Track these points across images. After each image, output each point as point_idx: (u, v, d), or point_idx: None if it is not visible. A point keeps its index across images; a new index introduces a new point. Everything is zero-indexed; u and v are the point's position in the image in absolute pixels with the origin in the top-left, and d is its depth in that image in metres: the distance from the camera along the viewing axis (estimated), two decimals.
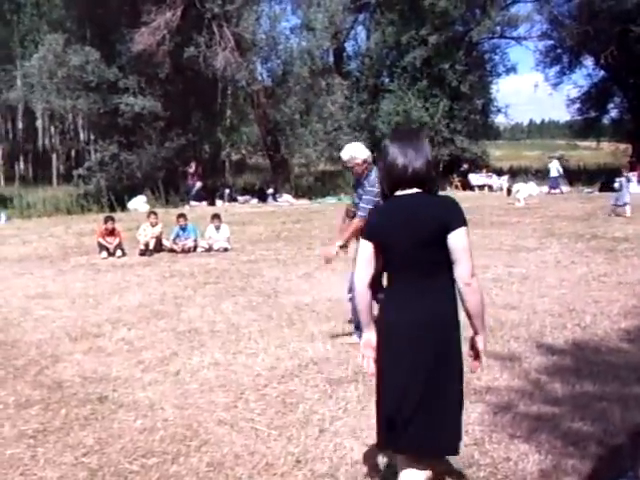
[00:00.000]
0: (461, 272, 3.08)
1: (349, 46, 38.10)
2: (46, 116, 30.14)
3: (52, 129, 41.72)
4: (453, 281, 3.13)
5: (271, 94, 30.66)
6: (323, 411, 4.99)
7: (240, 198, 26.92)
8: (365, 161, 6.39)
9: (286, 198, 26.84)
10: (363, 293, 3.30)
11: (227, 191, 27.37)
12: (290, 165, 31.64)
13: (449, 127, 32.54)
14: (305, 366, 6.02)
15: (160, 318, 8.00)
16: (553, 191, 26.83)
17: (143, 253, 13.17)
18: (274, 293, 9.26)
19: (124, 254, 13.16)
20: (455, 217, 3.12)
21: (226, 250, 13.26)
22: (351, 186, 6.81)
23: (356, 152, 6.41)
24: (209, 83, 27.95)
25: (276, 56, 30.31)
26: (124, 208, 24.12)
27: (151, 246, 13.27)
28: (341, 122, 30.79)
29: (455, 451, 3.30)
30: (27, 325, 7.84)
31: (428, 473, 3.26)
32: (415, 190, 3.21)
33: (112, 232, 13.33)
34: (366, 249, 3.27)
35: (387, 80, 35.76)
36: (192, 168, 27.03)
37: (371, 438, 4.50)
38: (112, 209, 23.24)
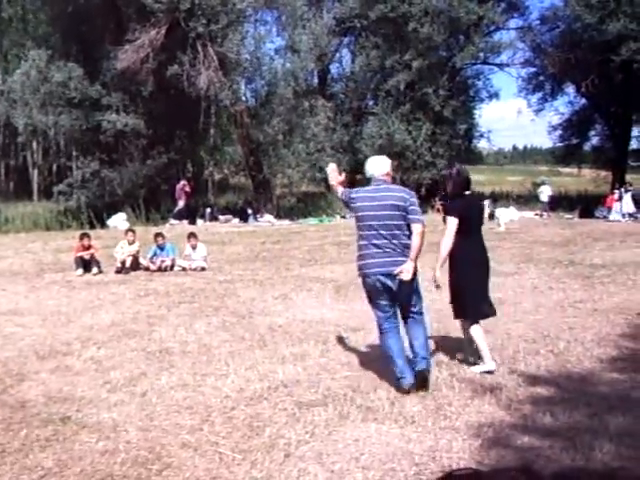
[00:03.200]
0: None
1: (334, 68, 38.32)
2: (28, 131, 29.90)
3: (34, 144, 41.49)
4: None
5: (254, 114, 30.68)
6: (290, 435, 4.92)
7: (221, 217, 26.81)
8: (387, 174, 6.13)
9: (267, 218, 26.76)
10: None
11: (208, 210, 27.27)
12: (272, 185, 31.58)
13: (431, 151, 32.66)
14: (275, 389, 5.94)
15: (131, 337, 7.90)
16: (545, 215, 27.31)
17: (119, 271, 13.03)
18: (248, 314, 9.17)
19: (100, 271, 13.03)
20: None
21: (203, 269, 13.16)
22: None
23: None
24: (193, 102, 27.92)
25: (260, 77, 30.35)
26: (104, 225, 23.96)
27: (128, 264, 13.15)
28: (324, 144, 30.85)
29: None
30: None
31: None
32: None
33: (88, 248, 13.21)
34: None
35: (371, 103, 35.92)
36: (187, 187, 26.92)
37: (336, 464, 4.45)
38: (92, 226, 23.08)
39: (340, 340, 7.59)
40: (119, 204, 26.47)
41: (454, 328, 8.04)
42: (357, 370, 6.47)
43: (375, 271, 5.80)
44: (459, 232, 6.22)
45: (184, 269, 13.21)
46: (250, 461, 4.52)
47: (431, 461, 4.49)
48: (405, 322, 6.00)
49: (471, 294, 6.35)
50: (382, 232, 5.77)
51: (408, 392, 5.68)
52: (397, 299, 5.92)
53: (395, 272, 5.75)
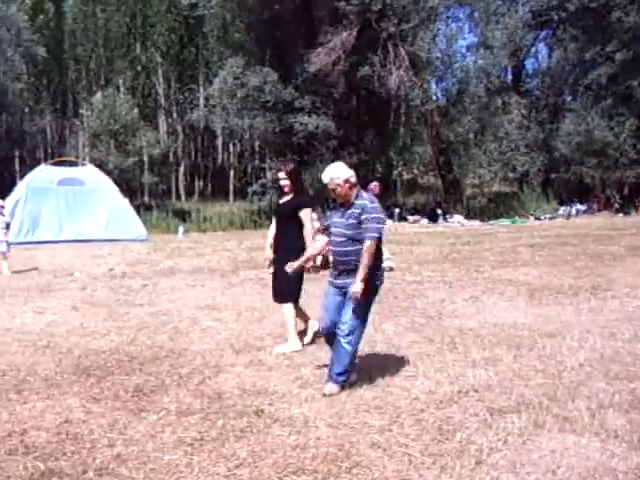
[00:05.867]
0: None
1: (529, 64, 37.15)
2: (225, 134, 31.58)
3: (230, 147, 43.56)
4: None
5: (445, 113, 30.37)
6: (481, 441, 4.72)
7: (410, 218, 26.78)
8: (347, 181, 5.88)
9: (457, 219, 26.40)
10: None
11: (397, 210, 27.32)
12: (462, 185, 31.16)
13: (636, 148, 30.71)
14: (465, 393, 5.76)
15: (319, 336, 7.98)
16: None
17: (309, 269, 13.28)
18: (438, 315, 9.02)
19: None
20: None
21: (391, 269, 13.11)
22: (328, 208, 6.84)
23: (336, 172, 5.96)
24: (383, 102, 28.16)
25: (451, 75, 30.10)
26: None
27: (317, 262, 13.35)
28: (517, 142, 30.02)
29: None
30: (194, 335, 8.10)
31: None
32: None
33: None
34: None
35: (569, 99, 34.49)
36: (378, 187, 27.20)
37: (531, 475, 4.22)
38: None
39: (534, 346, 7.24)
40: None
41: None
42: (552, 378, 6.13)
43: None
44: (297, 224, 7.37)
45: None
46: (440, 465, 4.39)
47: None
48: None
49: (299, 279, 7.42)
50: None
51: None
52: None
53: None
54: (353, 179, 5.89)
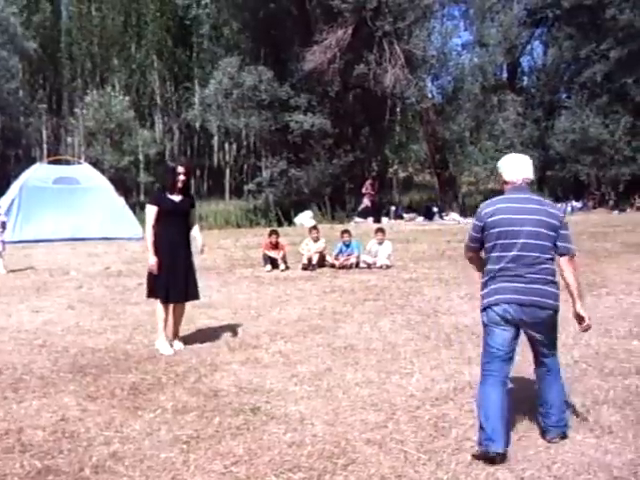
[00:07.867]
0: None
1: (524, 61, 37.10)
2: (221, 133, 31.57)
3: (226, 146, 43.52)
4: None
5: (441, 111, 30.39)
6: (477, 438, 4.74)
7: (406, 216, 26.74)
8: (501, 174, 4.84)
9: (453, 216, 26.37)
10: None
11: (393, 208, 27.31)
12: (458, 183, 31.15)
13: (631, 145, 30.71)
14: (461, 390, 5.79)
15: (317, 333, 8.02)
16: None
17: (306, 268, 13.31)
18: (434, 313, 9.04)
19: (287, 268, 13.38)
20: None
21: (388, 267, 13.14)
22: None
23: (502, 160, 4.89)
24: (378, 100, 28.11)
25: (447, 73, 30.13)
26: (291, 223, 24.68)
27: (314, 261, 13.39)
28: (513, 140, 29.98)
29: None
30: (190, 334, 8.10)
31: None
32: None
33: (276, 245, 13.61)
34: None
35: (564, 96, 34.45)
36: (373, 185, 27.28)
37: (527, 471, 4.23)
38: (279, 223, 23.85)
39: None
40: (305, 202, 27.17)
41: None
42: None
43: None
44: (157, 222, 7.31)
45: (369, 266, 13.26)
46: (436, 462, 4.42)
47: (632, 476, 4.17)
48: None
49: (159, 277, 7.24)
50: None
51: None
52: None
53: None
54: (507, 175, 4.73)
